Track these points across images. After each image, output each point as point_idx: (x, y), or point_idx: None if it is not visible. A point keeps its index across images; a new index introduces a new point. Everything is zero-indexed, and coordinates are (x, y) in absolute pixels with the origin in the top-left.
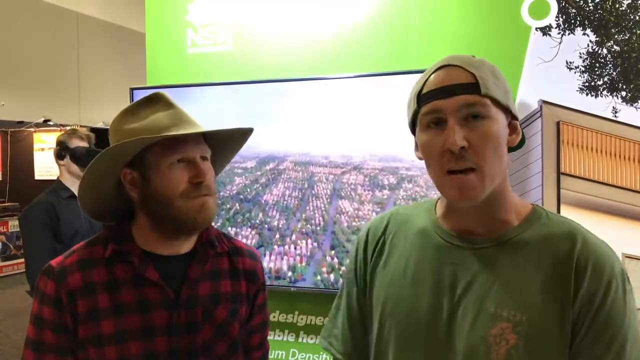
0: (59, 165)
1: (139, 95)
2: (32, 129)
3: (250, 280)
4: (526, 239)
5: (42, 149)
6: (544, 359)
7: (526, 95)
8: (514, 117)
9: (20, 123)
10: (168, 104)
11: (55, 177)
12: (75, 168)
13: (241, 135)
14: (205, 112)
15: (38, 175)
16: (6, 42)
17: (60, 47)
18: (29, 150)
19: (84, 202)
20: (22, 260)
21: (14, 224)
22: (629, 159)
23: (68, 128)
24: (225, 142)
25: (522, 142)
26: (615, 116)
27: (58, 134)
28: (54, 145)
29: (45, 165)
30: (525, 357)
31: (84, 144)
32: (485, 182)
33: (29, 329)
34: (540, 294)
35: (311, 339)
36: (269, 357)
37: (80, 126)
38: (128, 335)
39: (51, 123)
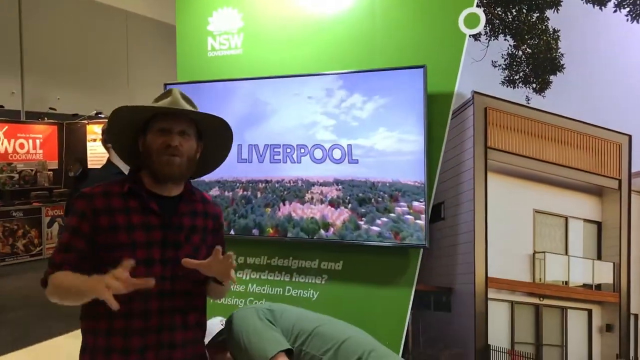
0: (107, 148)
1: None
2: (85, 121)
3: (215, 219)
4: None
5: (94, 140)
6: None
7: (462, 87)
8: None
9: (75, 116)
10: (174, 95)
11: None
12: None
13: (221, 125)
14: (220, 105)
15: (90, 164)
16: (61, 41)
17: (110, 44)
18: (82, 140)
19: (119, 153)
20: None
21: None
22: (539, 135)
23: None
24: (213, 130)
25: None
26: (528, 103)
27: None
28: None
29: (97, 154)
30: None
31: None
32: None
33: (62, 236)
34: None
35: (302, 278)
36: (270, 293)
37: None
38: (136, 245)
39: (102, 115)
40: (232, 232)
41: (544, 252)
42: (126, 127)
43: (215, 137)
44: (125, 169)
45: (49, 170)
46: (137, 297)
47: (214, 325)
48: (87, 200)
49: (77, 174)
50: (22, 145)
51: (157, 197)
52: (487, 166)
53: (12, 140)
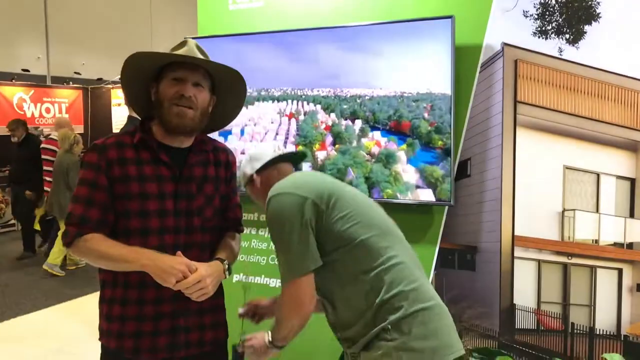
0: (129, 105)
1: None
2: (109, 86)
3: (227, 168)
4: None
5: (119, 104)
6: None
7: (491, 39)
8: None
9: (99, 80)
10: (189, 45)
11: None
12: None
13: (236, 78)
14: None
15: (115, 128)
16: (85, 7)
17: (134, 8)
18: (107, 105)
19: (129, 100)
20: None
21: None
22: (572, 89)
23: None
24: (227, 84)
25: None
26: (561, 55)
27: None
28: None
29: (122, 119)
30: None
31: None
32: (260, 203)
33: (75, 190)
34: None
35: None
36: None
37: None
38: (148, 196)
39: None
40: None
41: (573, 209)
42: (139, 75)
43: (229, 91)
44: None
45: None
46: (152, 249)
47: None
48: (100, 152)
49: (20, 139)
50: (48, 110)
51: (167, 149)
52: (516, 121)
53: (39, 105)
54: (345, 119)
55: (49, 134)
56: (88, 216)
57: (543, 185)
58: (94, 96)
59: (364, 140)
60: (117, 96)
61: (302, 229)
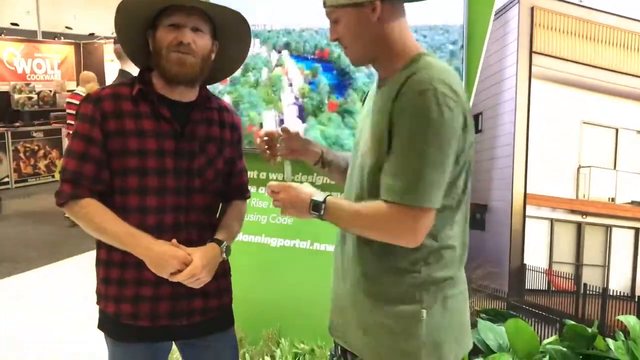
0: (122, 57)
1: None
2: (102, 41)
3: (233, 129)
4: (392, 80)
5: (112, 60)
6: (381, 153)
7: None
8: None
9: (91, 35)
10: None
11: None
12: None
13: (238, 20)
14: None
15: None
16: None
17: None
18: (100, 61)
19: (125, 50)
20: None
21: None
22: (592, 38)
23: None
24: (230, 28)
25: None
26: (581, 1)
27: None
28: None
29: (116, 75)
30: (374, 153)
31: None
32: (356, 55)
33: (69, 144)
34: (382, 113)
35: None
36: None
37: None
38: (147, 152)
39: None
40: (246, 145)
41: (589, 166)
42: (134, 23)
43: (232, 36)
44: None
45: (68, 91)
46: (151, 212)
47: None
48: (94, 103)
49: None
50: (39, 66)
51: (168, 102)
52: (531, 73)
53: (29, 60)
54: None
55: (73, 90)
56: (82, 172)
57: (558, 141)
58: (86, 52)
59: None
60: (110, 52)
61: (450, 159)
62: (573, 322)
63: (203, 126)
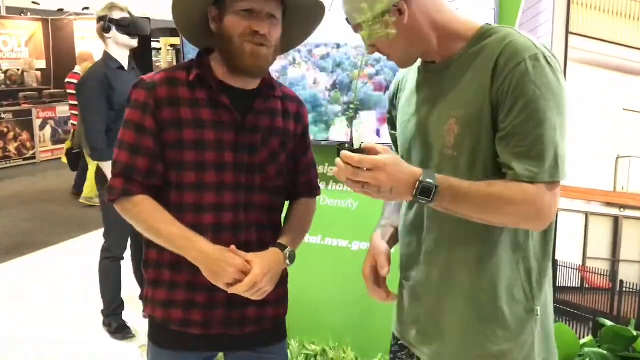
0: (105, 39)
1: None
2: (72, 17)
3: (298, 121)
4: (467, 54)
5: (83, 38)
6: (479, 138)
7: None
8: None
9: (60, 11)
10: None
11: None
12: (123, 38)
13: (315, 11)
14: None
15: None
16: None
17: None
18: (70, 39)
19: (179, 25)
20: None
21: (61, 110)
22: (635, 17)
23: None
24: (302, 12)
25: None
26: None
27: None
28: (94, 33)
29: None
30: (467, 139)
31: (124, 14)
32: (403, 59)
33: (120, 132)
34: (473, 92)
35: (340, 186)
36: None
37: None
38: (205, 145)
39: (90, 12)
40: None
41: (629, 156)
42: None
43: (302, 20)
44: (124, 62)
45: (37, 70)
46: (208, 210)
47: None
48: (148, 89)
49: None
50: (5, 43)
51: (229, 90)
52: (567, 55)
53: None
54: None
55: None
56: (135, 165)
57: (595, 128)
58: (55, 29)
59: None
60: (82, 29)
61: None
62: (609, 322)
63: (266, 117)
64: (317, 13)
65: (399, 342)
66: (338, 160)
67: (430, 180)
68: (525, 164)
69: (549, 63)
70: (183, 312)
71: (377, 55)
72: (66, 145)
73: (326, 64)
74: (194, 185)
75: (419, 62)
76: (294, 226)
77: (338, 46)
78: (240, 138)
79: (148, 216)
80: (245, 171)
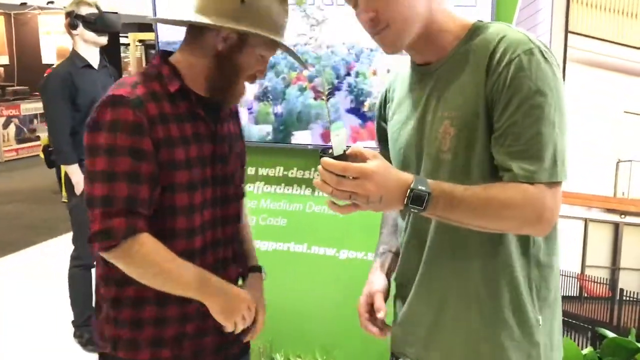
0: (73, 35)
1: None
2: (36, 12)
3: (237, 120)
4: (459, 53)
5: (48, 33)
6: (474, 139)
7: None
8: None
9: (23, 5)
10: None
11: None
12: (90, 35)
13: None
14: None
15: (46, 59)
16: None
17: None
18: (34, 33)
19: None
20: (38, 143)
21: (26, 108)
22: (638, 16)
23: None
24: None
25: None
26: None
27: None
28: (60, 28)
29: (52, 49)
30: (463, 141)
31: (92, 10)
32: (400, 35)
33: (95, 162)
34: (467, 91)
35: None
36: (289, 210)
37: None
38: (192, 162)
39: (56, 6)
40: None
41: (630, 160)
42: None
43: None
44: (93, 60)
45: (0, 65)
46: (197, 232)
47: None
48: (135, 107)
49: None
50: None
51: (201, 99)
52: (566, 55)
53: None
54: None
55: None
56: (138, 196)
57: (595, 131)
58: (18, 23)
59: None
60: (47, 23)
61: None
62: (609, 332)
63: (228, 122)
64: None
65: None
66: (320, 168)
67: (422, 187)
68: (522, 164)
69: (544, 57)
70: (175, 348)
71: (321, 51)
72: (43, 142)
73: None
74: (186, 207)
75: (407, 69)
76: (248, 238)
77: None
78: (216, 150)
79: (158, 257)
80: (221, 184)
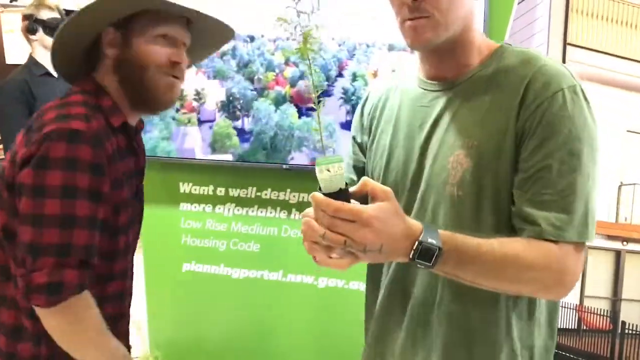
0: (31, 41)
1: None
2: None
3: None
4: (483, 75)
5: (12, 31)
6: (493, 176)
7: None
8: None
9: None
10: None
11: None
12: (50, 41)
13: (222, 35)
14: None
15: (10, 59)
16: None
17: None
18: None
19: (56, 60)
20: None
21: None
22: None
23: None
24: (206, 37)
25: None
26: None
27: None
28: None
29: (16, 49)
30: (476, 176)
31: (54, 14)
32: (438, 30)
33: (45, 205)
34: (492, 119)
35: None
36: (262, 234)
37: None
38: (129, 202)
39: (20, 3)
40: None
41: (633, 184)
42: (97, 21)
43: (205, 41)
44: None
45: None
46: (128, 274)
47: None
48: (95, 145)
49: None
50: None
51: (129, 129)
52: None
53: None
54: None
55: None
56: (94, 245)
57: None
58: None
59: None
60: (9, 21)
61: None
62: None
63: (144, 154)
64: (224, 36)
65: None
66: (313, 207)
67: (433, 241)
68: (550, 217)
69: (586, 98)
70: None
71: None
72: None
73: (224, 66)
74: (123, 250)
75: (402, 82)
76: None
77: (252, 39)
78: (139, 184)
79: (97, 318)
80: (139, 218)
